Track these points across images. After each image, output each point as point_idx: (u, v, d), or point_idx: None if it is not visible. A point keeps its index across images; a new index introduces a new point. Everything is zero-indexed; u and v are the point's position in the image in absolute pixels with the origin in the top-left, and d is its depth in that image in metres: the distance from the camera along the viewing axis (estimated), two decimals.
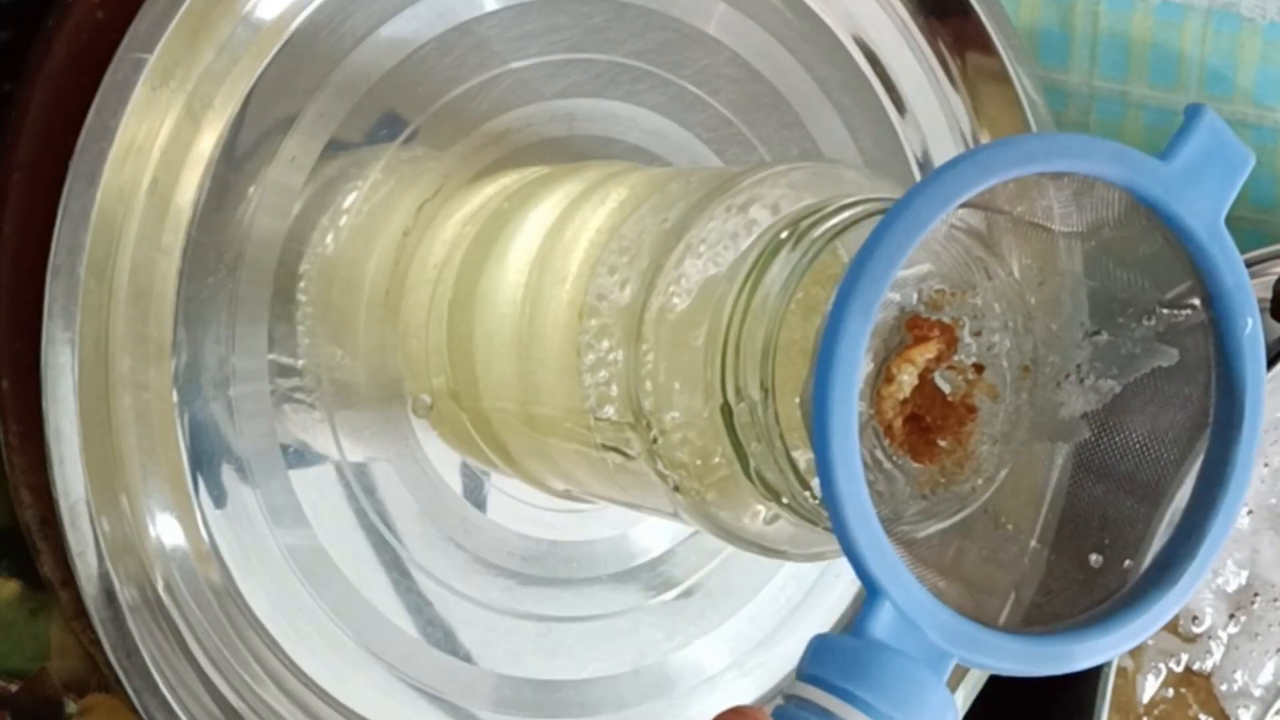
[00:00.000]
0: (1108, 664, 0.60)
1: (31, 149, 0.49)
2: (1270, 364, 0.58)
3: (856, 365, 0.38)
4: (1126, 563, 0.43)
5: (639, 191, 0.51)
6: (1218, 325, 0.42)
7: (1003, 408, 0.44)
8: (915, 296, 0.43)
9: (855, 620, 0.39)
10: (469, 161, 0.55)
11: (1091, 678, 0.60)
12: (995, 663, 0.40)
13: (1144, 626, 0.42)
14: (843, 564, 0.59)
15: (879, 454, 0.43)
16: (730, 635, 0.59)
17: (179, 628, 0.50)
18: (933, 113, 0.62)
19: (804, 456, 0.44)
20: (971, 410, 0.43)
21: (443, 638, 0.55)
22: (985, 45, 0.62)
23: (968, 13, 0.61)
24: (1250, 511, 0.64)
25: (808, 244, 0.44)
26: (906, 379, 0.43)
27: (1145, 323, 0.44)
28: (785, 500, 0.45)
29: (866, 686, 0.39)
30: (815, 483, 0.44)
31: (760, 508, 0.46)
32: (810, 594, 0.60)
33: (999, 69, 0.62)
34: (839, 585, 0.61)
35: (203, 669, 0.50)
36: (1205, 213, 0.42)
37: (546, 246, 0.51)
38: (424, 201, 0.54)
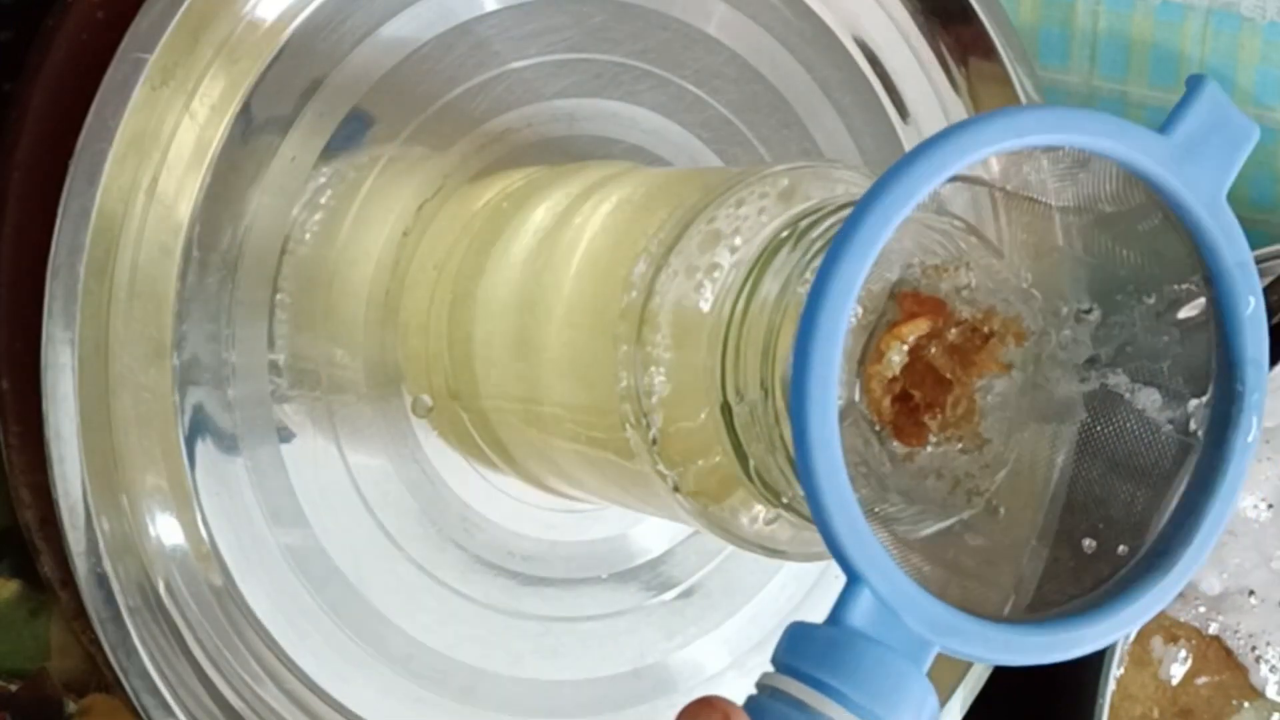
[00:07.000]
0: (1106, 673, 0.59)
1: (31, 149, 0.49)
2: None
3: (838, 337, 0.37)
4: (1121, 549, 0.42)
5: (639, 191, 0.51)
6: (1219, 304, 0.41)
7: (997, 387, 0.43)
8: (906, 271, 0.42)
9: (833, 608, 0.38)
10: (469, 161, 0.55)
11: (1089, 691, 0.60)
12: (979, 652, 0.39)
13: (1135, 615, 0.41)
14: None
15: (869, 439, 0.42)
16: (730, 635, 0.59)
17: (179, 628, 0.50)
18: (933, 115, 0.62)
19: None
20: (964, 390, 0.42)
21: (443, 638, 0.55)
22: (987, 50, 0.62)
23: (969, 17, 0.61)
24: (1270, 506, 0.63)
25: (807, 244, 0.44)
26: (895, 357, 0.42)
27: (1144, 301, 0.42)
28: (785, 500, 0.45)
29: (843, 677, 0.37)
30: None
31: (760, 508, 0.46)
32: (810, 594, 0.60)
33: (1000, 73, 0.62)
34: (839, 586, 0.60)
35: (202, 669, 0.50)
36: (1206, 188, 0.41)
37: (547, 246, 0.51)
38: (424, 201, 0.54)
